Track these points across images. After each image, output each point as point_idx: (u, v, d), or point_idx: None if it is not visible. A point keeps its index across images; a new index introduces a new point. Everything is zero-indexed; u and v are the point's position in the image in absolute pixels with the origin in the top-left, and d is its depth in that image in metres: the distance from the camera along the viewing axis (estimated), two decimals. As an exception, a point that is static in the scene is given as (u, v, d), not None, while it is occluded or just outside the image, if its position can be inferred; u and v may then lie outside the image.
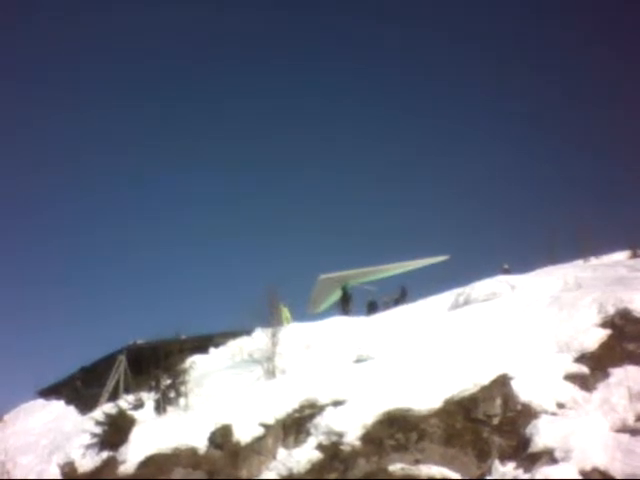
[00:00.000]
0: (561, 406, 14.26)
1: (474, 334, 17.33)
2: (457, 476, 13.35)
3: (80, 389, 25.56)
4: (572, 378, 14.88)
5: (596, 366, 15.01)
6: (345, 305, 29.13)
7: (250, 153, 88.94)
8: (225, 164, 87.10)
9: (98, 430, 16.35)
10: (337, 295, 30.52)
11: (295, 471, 14.13)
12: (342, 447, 14.22)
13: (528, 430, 13.65)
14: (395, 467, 13.62)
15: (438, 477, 13.33)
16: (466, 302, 21.09)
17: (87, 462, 15.95)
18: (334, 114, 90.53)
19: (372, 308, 27.75)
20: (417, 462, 13.68)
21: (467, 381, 14.93)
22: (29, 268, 75.30)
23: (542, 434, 13.30)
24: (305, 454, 14.41)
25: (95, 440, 16.24)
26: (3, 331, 61.88)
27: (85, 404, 22.68)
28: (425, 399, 14.64)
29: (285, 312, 25.11)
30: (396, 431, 14.24)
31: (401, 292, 28.40)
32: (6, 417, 23.27)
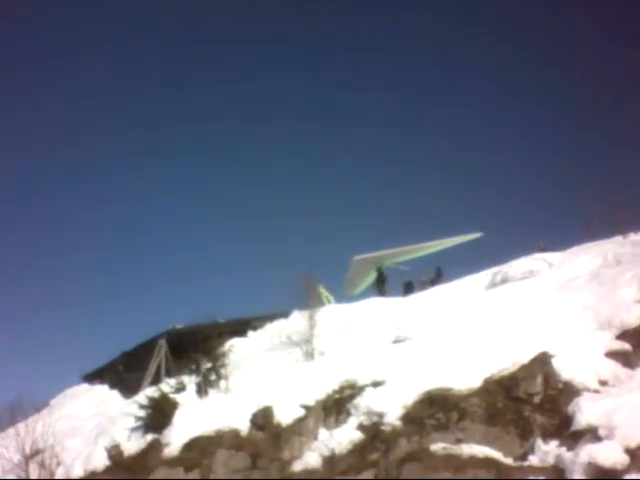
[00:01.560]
0: (603, 383, 14.13)
1: (513, 313, 17.24)
2: (499, 455, 13.33)
3: (122, 373, 25.98)
4: (614, 355, 14.74)
5: (638, 343, 14.84)
6: (381, 286, 29.08)
7: (284, 136, 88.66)
8: (257, 146, 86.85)
9: (142, 413, 16.67)
10: (372, 276, 30.50)
11: (337, 451, 14.27)
12: (383, 427, 14.31)
13: (570, 408, 13.56)
14: (437, 447, 13.64)
15: (480, 456, 13.32)
16: (503, 281, 20.95)
17: (132, 445, 16.30)
18: (361, 100, 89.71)
19: (409, 289, 27.65)
20: (459, 441, 13.69)
21: (507, 360, 14.90)
22: (73, 257, 76.43)
23: (585, 412, 13.20)
24: (346, 434, 14.53)
25: (139, 423, 16.57)
26: (49, 319, 63.47)
27: (128, 388, 23.10)
28: (465, 378, 14.64)
29: (325, 293, 25.23)
30: (437, 411, 14.27)
31: (437, 272, 28.23)
32: (52, 402, 23.74)
